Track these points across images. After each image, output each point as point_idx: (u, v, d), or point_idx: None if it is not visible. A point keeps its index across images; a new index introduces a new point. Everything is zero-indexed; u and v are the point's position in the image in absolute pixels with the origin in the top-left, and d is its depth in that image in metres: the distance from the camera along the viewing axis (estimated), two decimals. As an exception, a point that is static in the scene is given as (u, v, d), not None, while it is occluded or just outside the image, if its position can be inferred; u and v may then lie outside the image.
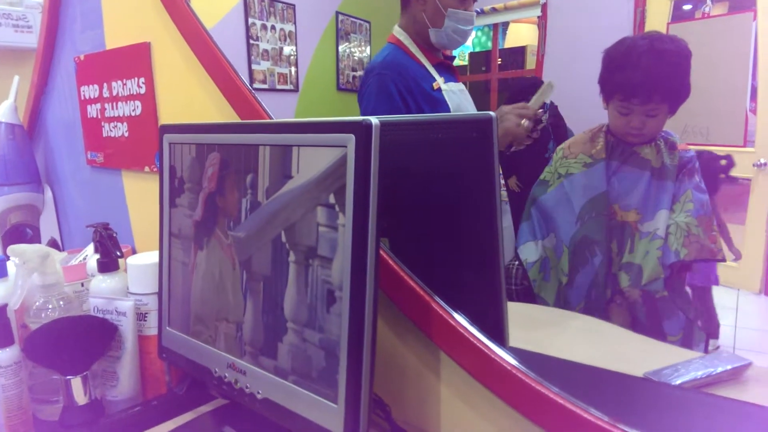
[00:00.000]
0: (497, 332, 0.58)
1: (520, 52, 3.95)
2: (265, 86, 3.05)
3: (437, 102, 1.15)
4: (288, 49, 3.15)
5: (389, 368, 0.65)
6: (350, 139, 0.47)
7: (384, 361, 0.64)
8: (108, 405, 0.71)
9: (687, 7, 3.09)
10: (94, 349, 0.68)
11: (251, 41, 2.99)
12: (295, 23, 3.20)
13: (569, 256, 1.02)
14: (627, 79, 0.94)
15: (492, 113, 0.59)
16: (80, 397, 0.66)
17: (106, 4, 1.04)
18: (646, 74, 0.93)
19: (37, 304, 0.70)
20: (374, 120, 0.46)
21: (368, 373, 0.47)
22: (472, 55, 4.12)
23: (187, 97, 0.89)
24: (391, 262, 0.61)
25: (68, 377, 0.65)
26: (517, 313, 0.63)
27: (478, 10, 1.22)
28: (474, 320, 0.58)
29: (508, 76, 3.95)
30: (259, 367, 0.55)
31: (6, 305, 0.66)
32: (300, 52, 3.23)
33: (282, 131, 0.53)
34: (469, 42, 1.22)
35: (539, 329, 0.92)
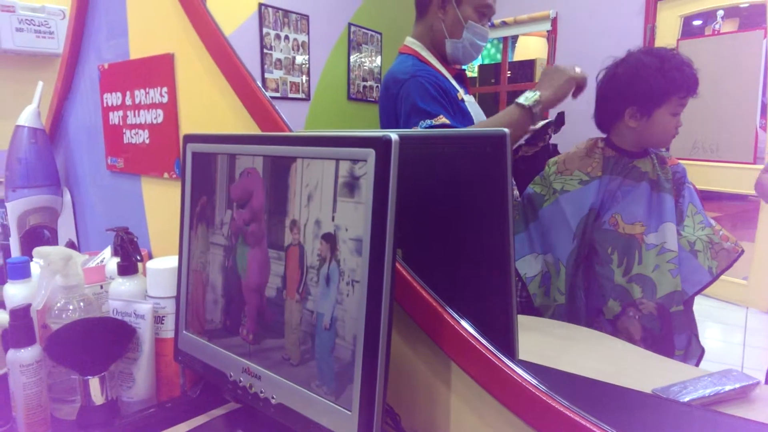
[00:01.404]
0: (507, 345, 0.59)
1: (529, 65, 3.99)
2: (278, 95, 3.10)
3: (464, 113, 1.15)
4: (300, 59, 3.20)
5: (400, 377, 0.66)
6: (370, 153, 0.48)
7: (395, 370, 0.65)
8: (123, 406, 0.72)
9: (697, 22, 3.11)
10: (113, 350, 0.70)
11: (265, 50, 3.04)
12: (308, 33, 3.24)
13: (567, 275, 1.03)
14: (689, 75, 0.99)
15: (506, 129, 0.61)
16: (97, 397, 0.68)
17: (131, 14, 1.07)
18: (693, 68, 1.00)
19: (59, 305, 0.72)
20: (394, 135, 0.48)
21: (382, 381, 0.48)
22: (481, 67, 4.15)
23: (208, 106, 0.91)
24: (404, 272, 0.63)
25: (87, 377, 0.67)
26: (525, 326, 0.64)
27: (489, 23, 1.23)
28: (484, 332, 0.59)
29: (517, 89, 3.98)
30: (274, 372, 0.57)
31: (30, 305, 0.68)
32: (312, 61, 3.28)
33: (302, 144, 0.55)
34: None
35: (547, 342, 0.92)
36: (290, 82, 3.17)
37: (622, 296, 1.00)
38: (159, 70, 0.98)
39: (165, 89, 0.98)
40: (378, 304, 0.48)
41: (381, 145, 0.48)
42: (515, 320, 0.61)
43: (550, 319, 1.04)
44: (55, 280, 0.73)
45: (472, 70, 4.14)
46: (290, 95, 3.18)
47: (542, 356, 0.75)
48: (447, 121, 1.06)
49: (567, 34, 3.23)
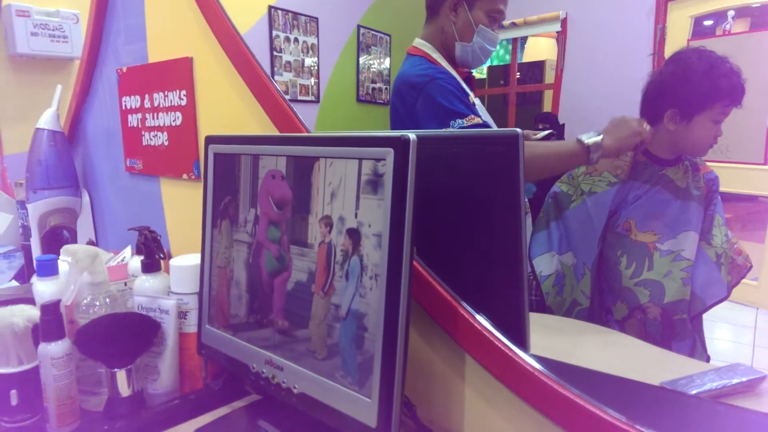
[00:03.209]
0: (519, 339, 0.61)
1: (538, 66, 3.99)
2: (288, 97, 3.13)
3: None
4: (310, 61, 3.23)
5: (416, 369, 0.68)
6: (389, 152, 0.51)
7: (411, 362, 0.67)
8: (148, 398, 0.75)
9: (708, 22, 3.10)
10: (139, 344, 0.72)
11: (275, 53, 3.07)
12: (317, 36, 3.27)
13: (592, 279, 1.04)
14: (735, 84, 0.96)
15: (518, 130, 0.62)
16: (124, 389, 0.70)
17: (149, 19, 1.10)
18: (741, 78, 0.97)
19: (86, 301, 0.75)
20: (411, 135, 0.50)
21: (401, 370, 0.51)
22: (490, 68, 4.16)
23: (226, 108, 0.94)
24: (420, 268, 0.65)
25: (114, 370, 0.70)
26: (536, 323, 0.65)
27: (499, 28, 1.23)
28: (497, 327, 0.61)
29: (526, 90, 3.98)
30: (297, 363, 0.59)
31: (59, 301, 0.70)
32: (321, 64, 3.31)
33: (324, 144, 0.57)
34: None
35: (558, 339, 0.94)
36: (300, 84, 3.20)
37: (629, 299, 1.01)
38: (178, 73, 1.01)
39: (184, 92, 1.01)
40: (396, 297, 0.50)
41: (400, 145, 0.50)
42: (527, 316, 0.63)
43: (561, 317, 1.06)
44: (82, 278, 0.76)
45: (481, 72, 4.15)
46: (300, 98, 3.21)
47: (553, 351, 0.76)
48: (480, 120, 1.05)
49: (577, 35, 3.24)
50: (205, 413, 0.72)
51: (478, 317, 0.61)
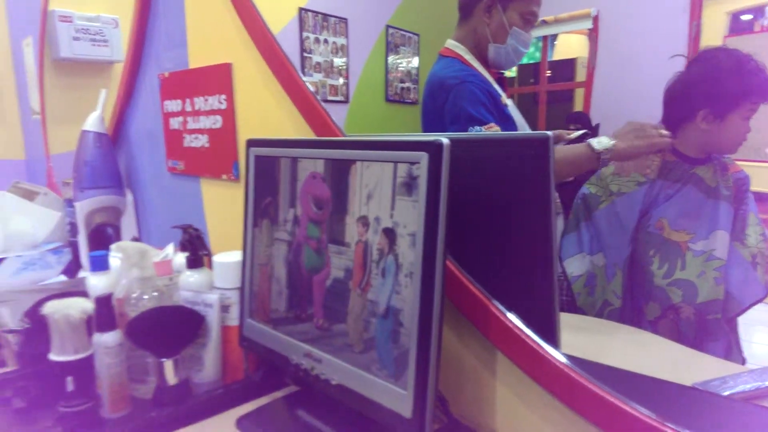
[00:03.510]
0: (550, 339, 0.63)
1: (570, 64, 3.91)
2: (318, 97, 3.17)
3: (507, 118, 1.16)
4: (339, 62, 3.27)
5: (449, 365, 0.70)
6: (423, 156, 0.53)
7: (444, 359, 0.70)
8: (194, 387, 0.79)
9: (746, 17, 3.01)
10: (185, 335, 0.77)
11: (305, 54, 3.12)
12: (347, 36, 3.30)
13: (624, 279, 1.04)
14: (763, 80, 0.96)
15: (549, 133, 0.64)
16: (171, 378, 0.75)
17: (190, 25, 1.15)
18: (767, 73, 0.97)
19: (135, 294, 0.80)
20: (445, 140, 0.53)
21: (435, 363, 0.53)
22: (520, 67, 4.10)
23: (264, 112, 0.98)
24: (452, 267, 0.67)
25: (162, 360, 0.74)
26: (567, 323, 0.66)
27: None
28: (528, 326, 0.62)
29: (557, 89, 3.91)
30: (334, 356, 0.62)
31: (111, 294, 0.75)
32: (351, 64, 3.34)
33: (361, 147, 0.60)
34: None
35: (589, 338, 0.95)
36: (329, 84, 3.24)
37: (661, 299, 1.01)
38: (218, 78, 1.05)
39: (224, 96, 1.05)
40: (431, 294, 0.53)
41: (433, 149, 0.52)
42: (557, 316, 0.64)
43: (592, 317, 1.06)
44: (131, 273, 0.80)
45: (511, 71, 4.10)
46: (329, 98, 3.25)
47: (584, 351, 0.77)
48: (498, 129, 1.07)
49: (609, 32, 3.18)
50: (246, 402, 0.75)
51: (509, 315, 0.63)
